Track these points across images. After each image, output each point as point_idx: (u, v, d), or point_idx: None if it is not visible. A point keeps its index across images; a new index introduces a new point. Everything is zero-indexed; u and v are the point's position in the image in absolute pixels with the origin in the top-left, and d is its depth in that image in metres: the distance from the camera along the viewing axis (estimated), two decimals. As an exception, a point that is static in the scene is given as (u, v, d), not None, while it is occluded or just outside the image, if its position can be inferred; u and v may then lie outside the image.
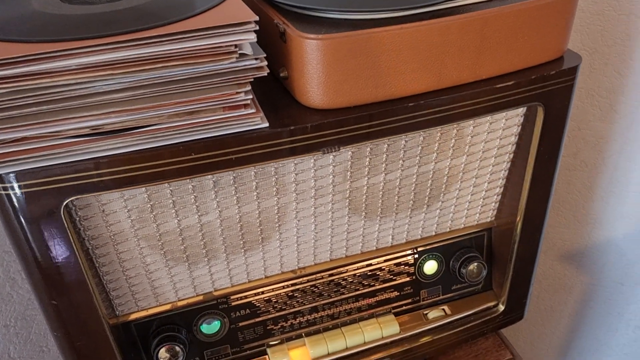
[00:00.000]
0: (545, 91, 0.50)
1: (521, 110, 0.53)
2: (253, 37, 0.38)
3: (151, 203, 0.45)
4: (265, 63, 0.40)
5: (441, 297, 0.65)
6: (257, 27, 0.38)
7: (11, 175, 0.38)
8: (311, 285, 0.59)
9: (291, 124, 0.42)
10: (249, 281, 0.56)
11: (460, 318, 0.64)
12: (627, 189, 0.84)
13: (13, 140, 0.38)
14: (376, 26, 0.42)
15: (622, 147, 0.81)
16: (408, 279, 0.63)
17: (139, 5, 0.42)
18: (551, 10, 0.46)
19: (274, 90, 0.47)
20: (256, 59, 0.40)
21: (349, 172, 0.51)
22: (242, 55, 0.39)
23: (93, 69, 0.36)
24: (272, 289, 0.58)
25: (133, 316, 0.53)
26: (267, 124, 0.42)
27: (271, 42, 0.45)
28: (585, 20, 0.73)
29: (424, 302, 0.65)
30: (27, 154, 0.38)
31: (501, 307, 0.65)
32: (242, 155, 0.42)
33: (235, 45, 0.39)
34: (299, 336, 0.61)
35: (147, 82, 0.38)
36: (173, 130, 0.40)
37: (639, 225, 0.86)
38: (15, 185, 0.39)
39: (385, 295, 0.62)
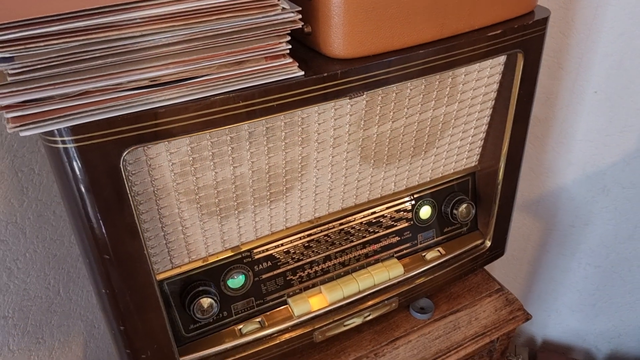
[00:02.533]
0: (525, 39, 0.57)
1: (502, 59, 0.61)
2: (294, -10, 0.43)
3: (193, 156, 0.49)
4: (300, 16, 0.45)
5: (435, 239, 0.72)
6: (297, -19, 0.43)
7: (73, 128, 0.40)
8: (324, 235, 0.64)
9: (323, 72, 0.47)
10: (272, 233, 0.60)
11: (454, 256, 0.72)
12: (574, 139, 0.95)
13: (77, 95, 0.40)
14: (391, -19, 0.47)
15: (569, 101, 0.91)
16: (407, 224, 0.69)
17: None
18: (528, -33, 0.54)
19: (299, 49, 0.51)
20: (292, 12, 0.44)
21: (362, 121, 0.56)
22: (284, 9, 0.43)
23: (155, 21, 0.39)
24: (290, 240, 0.62)
25: (166, 274, 0.56)
26: (302, 73, 0.46)
27: (295, 2, 0.50)
28: (533, -12, 0.83)
29: (421, 245, 0.71)
30: (90, 107, 0.40)
31: (488, 244, 0.73)
32: (283, 102, 0.46)
33: (277, -1, 0.43)
34: (315, 285, 0.65)
35: (201, 34, 0.41)
36: (223, 80, 0.44)
37: (585, 170, 0.97)
38: (77, 137, 0.41)
39: (388, 241, 0.68)
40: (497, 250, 0.75)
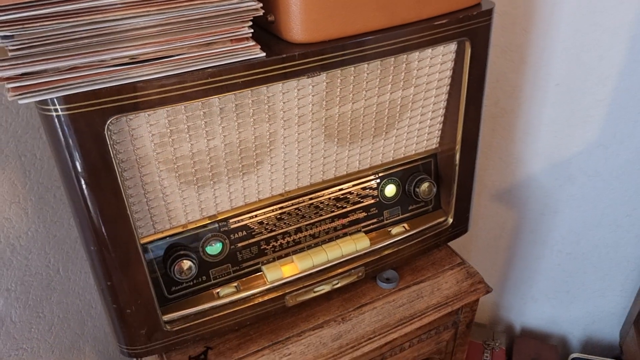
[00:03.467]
0: (471, 28, 0.64)
1: (453, 47, 0.68)
2: (253, -19, 0.50)
3: (170, 128, 0.55)
4: (261, 5, 0.52)
5: (401, 216, 0.78)
6: (256, -26, 0.50)
7: (64, 98, 0.47)
8: (295, 209, 0.70)
9: (282, 53, 0.54)
10: (245, 204, 0.66)
11: (418, 232, 0.78)
12: (539, 129, 1.01)
13: (67, 69, 0.47)
14: (343, -25, 0.54)
15: (533, 94, 0.98)
16: (373, 201, 0.75)
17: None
18: (469, -36, 0.61)
19: (263, 36, 0.58)
20: (253, 1, 0.51)
21: (324, 102, 0.63)
22: (244, -2, 0.51)
23: (134, 5, 0.46)
24: (264, 212, 0.68)
25: (150, 238, 0.62)
26: (264, 54, 0.53)
27: (259, -6, 0.57)
28: (494, -12, 0.90)
29: (387, 221, 0.77)
30: (78, 80, 0.47)
31: (450, 220, 0.79)
32: (247, 79, 0.53)
33: (239, -11, 0.50)
34: (288, 254, 0.72)
35: (174, 19, 0.48)
36: (194, 59, 0.51)
37: (551, 159, 1.04)
38: (68, 106, 0.48)
39: (356, 216, 0.75)
40: (460, 227, 0.81)
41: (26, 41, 0.44)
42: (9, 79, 0.45)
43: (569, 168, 1.03)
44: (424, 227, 0.78)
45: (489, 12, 0.65)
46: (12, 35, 0.44)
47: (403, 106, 0.69)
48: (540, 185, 1.07)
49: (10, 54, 0.44)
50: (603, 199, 1.05)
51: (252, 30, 0.52)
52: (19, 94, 0.46)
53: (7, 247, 0.82)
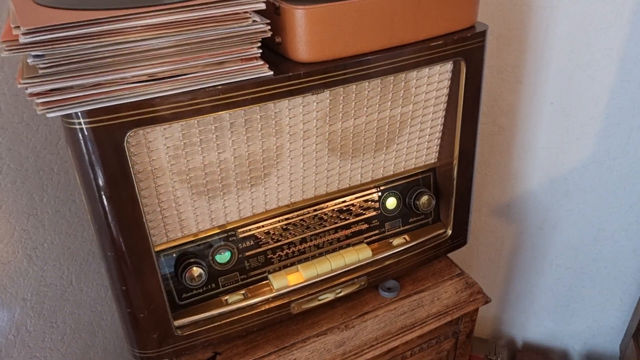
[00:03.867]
0: (466, 49, 0.68)
1: (449, 67, 0.72)
2: (262, 5, 0.54)
3: (184, 141, 0.59)
4: (269, 27, 0.56)
5: (402, 228, 0.81)
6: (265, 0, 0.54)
7: (87, 112, 0.51)
8: (300, 220, 0.74)
9: (289, 72, 0.58)
10: (253, 214, 0.70)
11: (418, 243, 0.81)
12: (536, 147, 1.05)
13: (91, 85, 0.51)
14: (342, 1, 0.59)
15: (529, 112, 1.02)
16: (374, 213, 0.79)
17: (173, -10, 0.57)
18: (463, -10, 0.65)
19: (271, 56, 0.63)
20: (262, 24, 0.56)
21: (327, 117, 0.67)
22: (254, 21, 0.55)
23: (152, 28, 0.51)
24: (270, 222, 0.72)
25: (162, 246, 0.66)
26: (272, 72, 0.58)
27: (266, 18, 0.61)
28: (490, 11, 0.95)
29: (389, 232, 0.81)
30: (101, 95, 0.51)
31: (449, 232, 0.82)
32: (255, 96, 0.57)
33: (249, 12, 0.54)
34: (293, 264, 0.75)
35: (189, 40, 0.53)
36: (207, 77, 0.55)
37: (549, 175, 1.07)
38: (91, 120, 0.52)
39: (358, 227, 0.78)
40: (459, 239, 0.84)
41: (55, 60, 0.49)
42: (39, 94, 0.50)
43: (566, 184, 1.07)
44: (424, 239, 0.81)
45: (483, 34, 0.69)
46: (43, 54, 0.48)
47: (402, 122, 0.73)
48: (538, 201, 1.10)
49: (40, 71, 0.49)
50: (599, 214, 1.08)
51: (261, 51, 0.56)
52: (47, 108, 0.50)
53: (24, 257, 0.86)
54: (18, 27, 0.46)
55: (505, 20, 0.95)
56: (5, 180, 0.80)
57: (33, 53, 0.48)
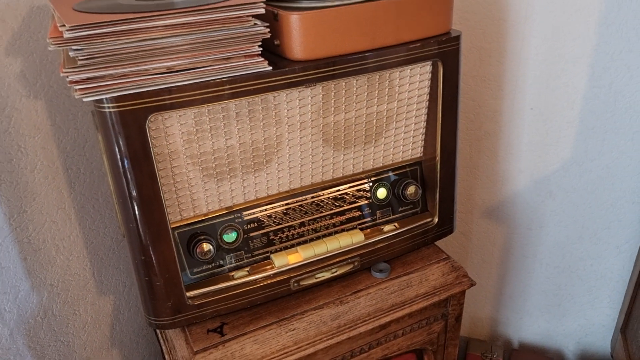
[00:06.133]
0: (442, 51, 0.78)
1: (429, 68, 0.82)
2: (262, 10, 0.65)
3: (196, 128, 0.69)
4: (268, 30, 0.67)
5: (392, 216, 0.90)
6: (264, 5, 0.65)
7: (115, 98, 0.62)
8: (299, 205, 0.83)
9: (285, 67, 0.68)
10: (257, 198, 0.79)
11: (407, 229, 0.89)
12: (520, 150, 1.13)
13: (119, 75, 0.62)
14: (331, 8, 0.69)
15: (511, 117, 1.11)
16: (366, 202, 0.87)
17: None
18: (437, 0, 0.76)
19: (271, 57, 0.73)
20: (262, 26, 0.66)
21: (321, 111, 0.76)
22: (255, 24, 0.66)
23: (170, 27, 0.61)
24: (272, 207, 0.81)
25: (176, 224, 0.75)
26: (271, 68, 0.68)
27: (267, 23, 0.72)
28: (471, 26, 1.05)
29: (380, 220, 0.89)
30: (127, 84, 0.62)
31: (435, 220, 0.91)
32: (257, 87, 0.67)
33: (251, 17, 0.65)
34: (293, 245, 0.83)
35: (201, 39, 0.63)
36: (215, 70, 0.65)
37: (533, 177, 1.15)
38: (118, 104, 0.62)
39: (352, 214, 0.87)
40: (445, 227, 0.92)
41: (91, 53, 0.59)
42: (77, 82, 0.60)
43: (549, 184, 1.14)
44: (412, 226, 0.89)
45: (457, 38, 0.79)
46: (82, 48, 0.59)
47: (388, 118, 0.83)
48: (525, 202, 1.18)
49: (79, 62, 0.59)
50: (582, 213, 1.16)
51: (261, 49, 0.67)
52: (84, 94, 0.60)
53: (52, 246, 0.95)
54: (63, 25, 0.57)
55: (485, 34, 1.05)
56: (40, 175, 0.91)
57: (74, 47, 0.59)
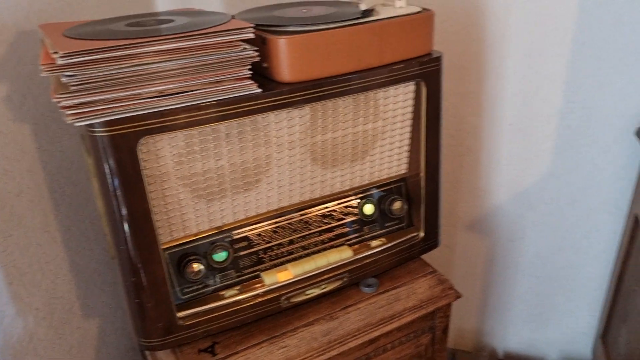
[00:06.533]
0: (424, 72, 0.81)
1: (412, 87, 0.84)
2: (251, 35, 0.66)
3: (187, 149, 0.70)
4: (257, 54, 0.68)
5: (379, 232, 0.92)
6: (254, 31, 0.67)
7: (107, 122, 0.62)
8: (288, 223, 0.84)
9: (274, 89, 0.70)
10: (246, 217, 0.80)
11: (394, 244, 0.91)
12: (499, 164, 1.16)
13: (111, 100, 0.62)
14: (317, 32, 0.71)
15: (491, 133, 1.14)
16: (354, 218, 0.89)
17: (181, 25, 0.69)
18: (419, 22, 0.79)
19: (260, 79, 0.74)
20: (251, 51, 0.68)
21: (309, 130, 0.78)
22: (244, 48, 0.67)
23: (162, 53, 0.63)
24: (262, 225, 0.82)
25: (167, 245, 0.75)
26: (260, 90, 0.69)
27: (256, 47, 0.73)
28: (451, 47, 1.08)
29: (367, 235, 0.91)
30: (119, 108, 0.63)
31: (421, 234, 0.93)
32: (247, 109, 0.69)
33: (240, 41, 0.67)
34: (282, 263, 0.84)
35: (192, 63, 0.64)
36: (206, 94, 0.66)
37: (513, 190, 1.18)
38: (110, 128, 0.63)
39: (340, 231, 0.88)
40: (430, 241, 0.94)
41: (83, 79, 0.60)
42: (69, 107, 0.61)
43: (529, 197, 1.18)
44: (399, 241, 0.91)
45: (438, 59, 0.82)
46: (75, 74, 0.60)
47: (374, 136, 0.85)
48: (506, 214, 1.21)
49: (71, 88, 0.60)
50: (561, 224, 1.19)
51: (251, 72, 0.68)
52: (76, 119, 0.61)
53: (38, 270, 0.94)
54: (56, 52, 0.58)
55: (465, 53, 1.08)
56: (25, 198, 0.90)
57: (66, 73, 0.59)
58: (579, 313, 1.28)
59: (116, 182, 0.66)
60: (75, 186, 0.98)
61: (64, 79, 0.60)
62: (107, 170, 0.65)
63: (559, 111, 1.08)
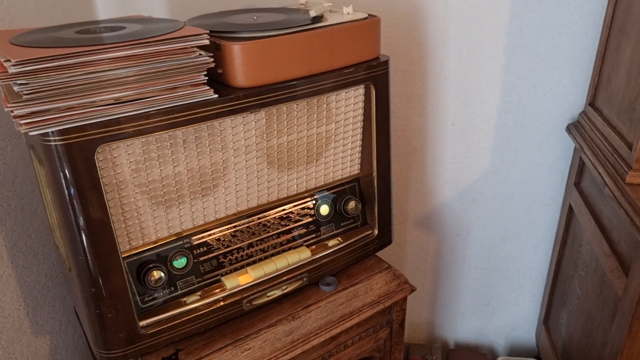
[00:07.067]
0: (373, 75, 0.84)
1: (362, 90, 0.87)
2: (206, 42, 0.67)
3: (144, 156, 0.70)
4: (212, 60, 0.69)
5: (335, 231, 0.94)
6: (208, 37, 0.68)
7: (61, 130, 0.61)
8: (247, 227, 0.85)
9: (230, 95, 0.71)
10: (205, 223, 0.80)
11: (350, 243, 0.93)
12: (444, 162, 1.22)
13: (65, 108, 0.62)
14: (270, 38, 0.73)
15: (435, 133, 1.19)
16: (311, 219, 0.91)
17: (134, 32, 0.69)
18: (367, 28, 0.82)
19: (215, 85, 0.75)
20: (206, 57, 0.69)
21: (265, 134, 0.80)
22: (200, 54, 0.68)
23: (117, 60, 0.62)
24: (221, 230, 0.82)
25: (126, 254, 0.75)
26: (216, 95, 0.70)
27: (210, 53, 0.74)
28: (395, 51, 1.13)
29: (324, 235, 0.93)
30: (74, 117, 0.62)
31: (376, 232, 0.96)
32: (203, 115, 0.70)
33: (195, 48, 0.67)
34: (242, 266, 0.85)
35: (148, 70, 0.65)
36: (163, 100, 0.67)
37: (457, 186, 1.24)
38: (64, 137, 0.62)
39: (298, 232, 0.90)
40: (384, 239, 0.98)
41: (36, 87, 0.59)
42: (22, 116, 0.59)
43: (472, 193, 1.24)
44: (354, 239, 0.94)
45: (386, 63, 0.86)
46: (27, 83, 0.59)
47: (327, 138, 0.87)
48: (452, 210, 1.27)
49: (24, 97, 0.59)
50: (503, 217, 1.26)
51: (206, 78, 0.69)
52: (29, 128, 0.60)
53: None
54: (8, 60, 0.57)
55: (408, 57, 1.13)
56: (-32, 214, 0.86)
57: (19, 82, 0.58)
58: (523, 300, 1.36)
59: (73, 191, 0.65)
60: (20, 199, 0.95)
61: (16, 88, 0.58)
62: (62, 181, 0.64)
63: (497, 110, 1.15)
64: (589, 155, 1.02)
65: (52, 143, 0.62)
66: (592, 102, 1.09)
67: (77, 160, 0.63)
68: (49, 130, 0.61)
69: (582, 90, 1.11)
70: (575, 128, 1.12)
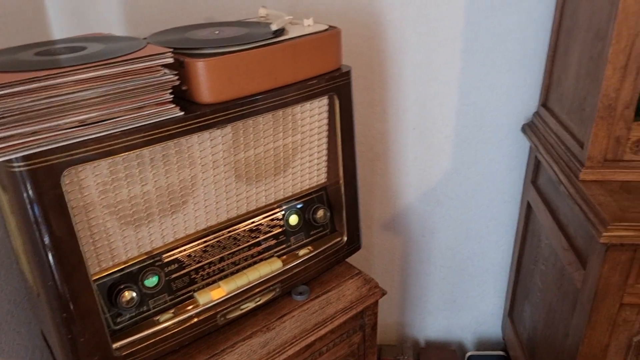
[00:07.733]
0: (336, 85, 0.86)
1: (326, 101, 0.89)
2: (170, 60, 0.67)
3: (112, 177, 0.69)
4: (177, 77, 0.69)
5: (305, 240, 0.95)
6: (172, 55, 0.68)
7: (25, 156, 0.60)
8: (217, 241, 0.85)
9: (196, 111, 0.71)
10: (175, 240, 0.80)
11: (320, 251, 0.95)
12: (407, 166, 1.25)
13: (29, 134, 0.60)
14: (234, 53, 0.74)
15: (397, 137, 1.22)
16: (280, 230, 0.92)
17: (96, 52, 0.68)
18: (328, 39, 0.83)
19: (180, 102, 0.75)
20: (171, 75, 0.69)
21: (232, 149, 0.80)
22: (164, 73, 0.68)
23: (81, 82, 0.62)
24: (191, 246, 0.82)
25: (96, 276, 0.73)
26: (182, 113, 0.70)
27: (174, 70, 0.74)
28: (354, 59, 1.15)
29: (295, 245, 0.94)
30: (38, 141, 0.61)
31: (345, 239, 0.97)
32: (170, 133, 0.69)
33: (160, 66, 0.67)
34: (215, 281, 0.85)
35: (113, 91, 0.64)
36: (129, 120, 0.66)
37: (421, 189, 1.27)
38: (29, 162, 0.61)
39: (268, 243, 0.91)
40: (354, 244, 0.99)
41: (-2, 114, 0.58)
42: (-17, 144, 0.58)
43: (436, 194, 1.27)
44: (324, 247, 0.95)
45: (348, 73, 0.87)
46: (-12, 109, 0.57)
47: (294, 149, 0.88)
48: (417, 212, 1.30)
49: (-15, 124, 0.58)
50: (465, 216, 1.30)
51: (172, 96, 0.69)
52: (-8, 155, 0.58)
53: None
54: (-33, 87, 0.55)
55: (368, 65, 1.15)
56: None
57: (-21, 109, 0.57)
58: (487, 296, 1.40)
59: (39, 217, 0.63)
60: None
61: (-24, 115, 0.57)
62: (28, 207, 0.63)
63: (456, 113, 1.18)
64: (544, 154, 1.07)
65: (17, 169, 0.61)
66: (544, 103, 1.14)
67: (42, 186, 0.62)
68: (12, 156, 0.60)
69: (534, 91, 1.16)
70: (529, 128, 1.17)
